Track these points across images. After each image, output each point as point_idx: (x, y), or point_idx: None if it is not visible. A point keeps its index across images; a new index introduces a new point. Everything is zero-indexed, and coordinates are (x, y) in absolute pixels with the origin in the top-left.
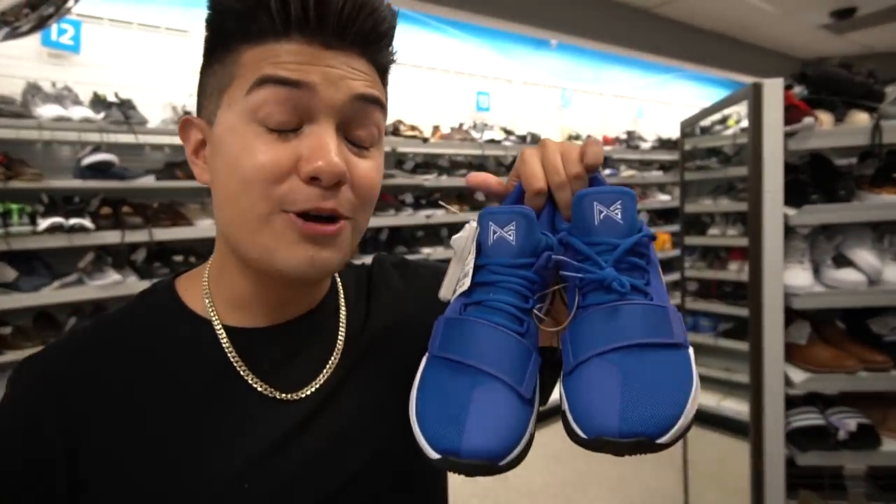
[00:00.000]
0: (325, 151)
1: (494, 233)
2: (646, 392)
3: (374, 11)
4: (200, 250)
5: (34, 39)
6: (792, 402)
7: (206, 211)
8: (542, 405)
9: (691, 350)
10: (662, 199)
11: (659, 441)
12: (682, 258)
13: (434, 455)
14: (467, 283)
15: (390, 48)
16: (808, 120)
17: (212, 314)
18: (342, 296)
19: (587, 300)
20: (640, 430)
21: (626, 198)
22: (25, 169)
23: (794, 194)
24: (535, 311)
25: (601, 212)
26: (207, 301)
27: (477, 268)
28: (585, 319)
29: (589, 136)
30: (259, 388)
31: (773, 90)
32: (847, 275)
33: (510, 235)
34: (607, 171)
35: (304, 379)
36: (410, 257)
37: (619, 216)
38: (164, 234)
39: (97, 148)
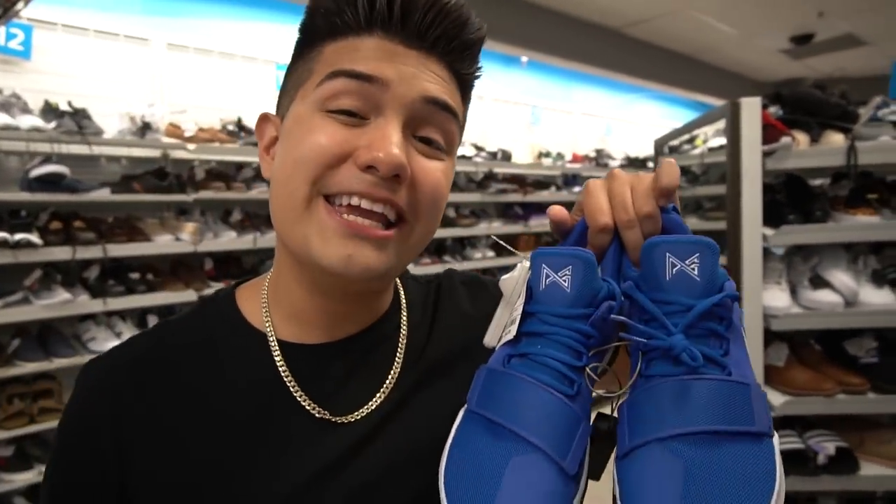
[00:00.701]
0: (387, 142)
1: (547, 277)
2: (712, 495)
3: (459, 20)
4: (159, 267)
5: None
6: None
7: (164, 226)
8: (595, 479)
9: (776, 440)
10: None
11: None
12: None
13: None
14: (513, 331)
15: (474, 61)
16: (785, 139)
17: (268, 327)
18: (405, 314)
19: (651, 370)
20: None
21: (706, 250)
22: None
23: (772, 215)
24: (589, 370)
25: (674, 265)
26: (265, 312)
27: (526, 315)
28: (647, 393)
29: (662, 157)
30: (310, 409)
31: (751, 109)
32: (824, 296)
33: (565, 281)
34: (577, 189)
35: (357, 401)
36: None
37: (697, 272)
38: (119, 249)
39: (47, 159)
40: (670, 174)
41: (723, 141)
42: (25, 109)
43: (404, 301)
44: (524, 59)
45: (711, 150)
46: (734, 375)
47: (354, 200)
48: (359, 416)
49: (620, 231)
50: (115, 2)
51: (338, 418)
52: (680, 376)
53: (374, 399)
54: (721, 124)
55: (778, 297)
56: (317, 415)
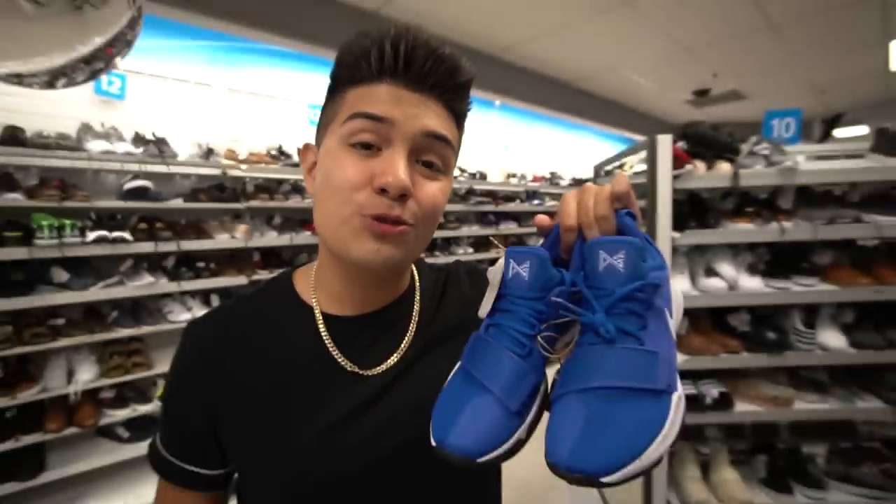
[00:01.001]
0: (395, 169)
1: (513, 269)
2: (602, 434)
3: (452, 66)
4: (219, 258)
5: (87, 88)
6: None
7: (223, 227)
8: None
9: (676, 396)
10: None
11: (603, 480)
12: None
13: (432, 442)
14: (488, 307)
15: (466, 98)
16: (688, 167)
17: (314, 302)
18: (418, 294)
19: (582, 339)
20: (585, 468)
21: (630, 248)
22: (77, 192)
23: (678, 222)
24: (539, 337)
25: (605, 259)
26: (312, 291)
27: (499, 296)
28: (574, 357)
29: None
30: (343, 364)
31: (665, 143)
32: (714, 283)
33: (524, 272)
34: (536, 202)
35: (379, 359)
36: None
37: (622, 265)
38: (189, 245)
39: (136, 176)
40: (620, 183)
41: (644, 167)
42: (120, 138)
43: (418, 284)
44: (497, 102)
45: (636, 173)
46: (646, 345)
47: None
48: (379, 371)
49: (583, 230)
50: (188, 55)
51: (364, 371)
52: (598, 345)
53: (392, 357)
54: (643, 154)
55: (681, 283)
56: (348, 368)
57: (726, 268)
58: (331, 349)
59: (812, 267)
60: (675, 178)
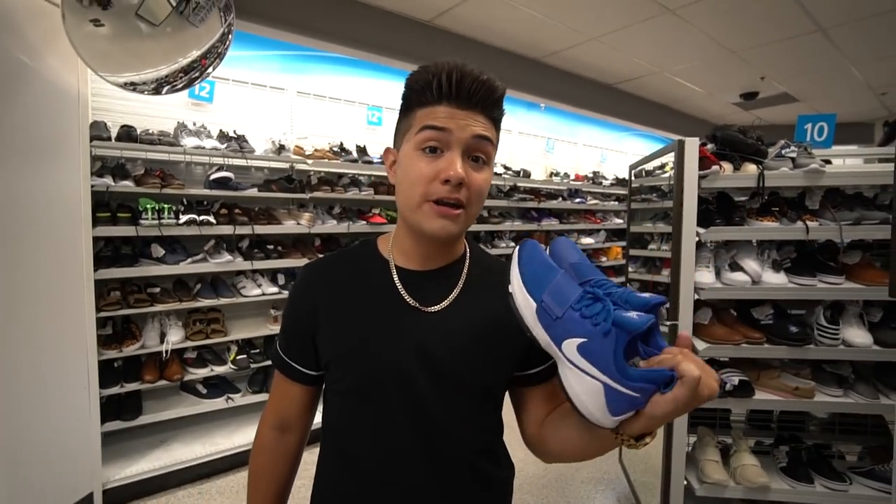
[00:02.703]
0: (454, 166)
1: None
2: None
3: (489, 87)
4: (285, 242)
5: (183, 93)
6: None
7: (290, 215)
8: None
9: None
10: (617, 223)
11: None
12: (627, 266)
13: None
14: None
15: (500, 107)
16: (715, 168)
17: (390, 258)
18: (468, 261)
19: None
20: None
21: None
22: (174, 181)
23: (704, 219)
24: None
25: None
26: (390, 250)
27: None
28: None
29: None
30: (410, 302)
31: (692, 146)
32: (738, 276)
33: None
34: (577, 200)
35: (435, 300)
36: None
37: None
38: (262, 229)
39: (220, 168)
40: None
41: None
42: (208, 136)
43: (469, 254)
44: (542, 104)
45: None
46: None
47: (443, 203)
48: (434, 308)
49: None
50: (264, 64)
51: (423, 308)
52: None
53: (444, 301)
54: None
55: (706, 276)
56: (412, 304)
57: (750, 263)
58: (401, 290)
59: (839, 266)
60: (702, 177)
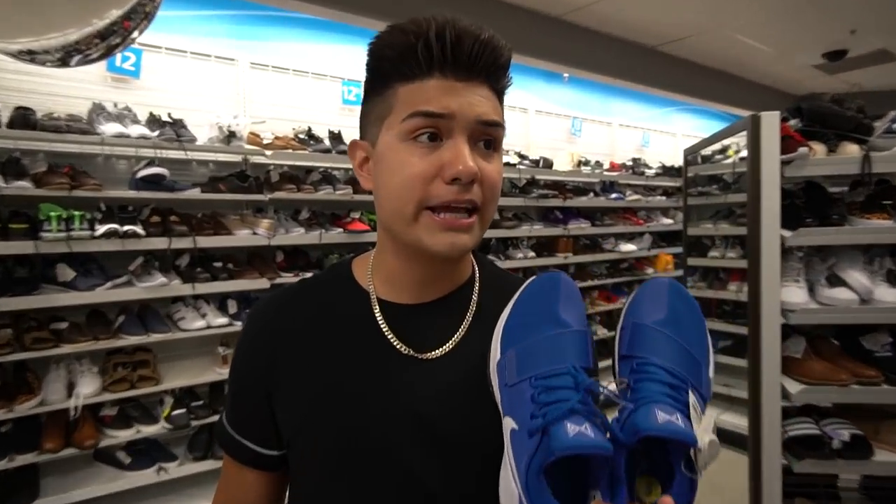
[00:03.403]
0: (464, 158)
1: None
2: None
3: (495, 48)
4: (238, 258)
5: (100, 65)
6: (788, 413)
7: (244, 222)
8: None
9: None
10: (665, 223)
11: None
12: (685, 278)
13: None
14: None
15: (507, 75)
16: (802, 150)
17: (370, 288)
18: (477, 286)
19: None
20: None
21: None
22: (87, 180)
23: (790, 218)
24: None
25: None
26: (369, 278)
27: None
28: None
29: None
30: (399, 348)
31: (770, 122)
32: (840, 293)
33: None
34: (613, 195)
35: (435, 344)
36: None
37: None
38: (206, 241)
39: (151, 162)
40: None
41: None
42: (135, 120)
43: (478, 275)
44: (566, 75)
45: (742, 159)
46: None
47: (449, 210)
48: (435, 355)
49: None
50: (209, 28)
51: (419, 355)
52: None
53: (447, 344)
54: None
55: (796, 294)
56: (403, 351)
57: (856, 275)
58: (387, 333)
59: None
60: (785, 163)
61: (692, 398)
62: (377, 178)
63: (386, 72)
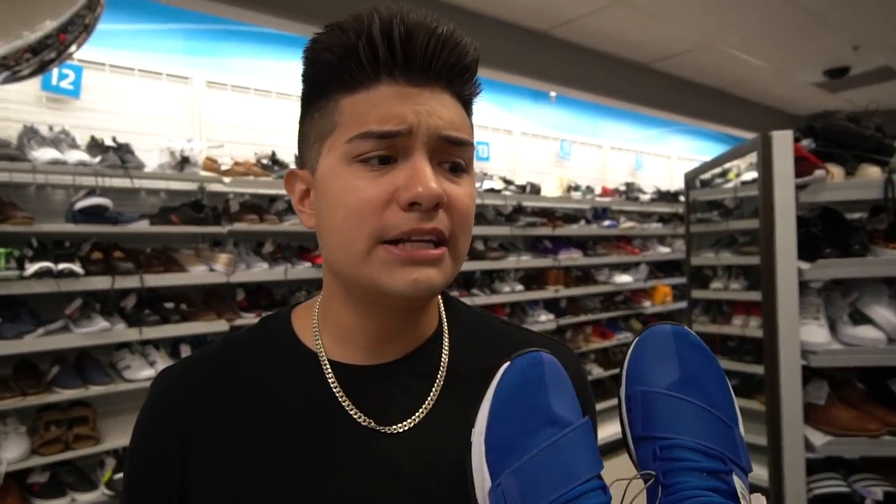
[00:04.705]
0: (423, 178)
1: None
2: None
3: (456, 46)
4: (192, 297)
5: (33, 83)
6: (812, 467)
7: (199, 257)
8: None
9: None
10: (662, 252)
11: None
12: (690, 312)
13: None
14: None
15: (474, 81)
16: (819, 172)
17: (318, 347)
18: (447, 337)
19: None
20: None
21: None
22: (16, 212)
23: (807, 248)
24: None
25: None
26: (316, 334)
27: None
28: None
29: None
30: (360, 420)
31: (783, 142)
32: (865, 332)
33: None
34: (606, 223)
35: (402, 413)
36: None
37: None
38: (155, 280)
39: (91, 192)
40: None
41: (755, 175)
42: (73, 145)
43: (446, 325)
44: (553, 94)
45: (745, 183)
46: None
47: (409, 242)
48: (401, 428)
49: None
50: (159, 44)
51: (384, 428)
52: None
53: (416, 413)
54: (754, 158)
55: (816, 333)
56: (367, 425)
57: (882, 311)
58: (342, 402)
59: None
60: (800, 188)
61: (737, 482)
62: (320, 211)
63: (324, 81)
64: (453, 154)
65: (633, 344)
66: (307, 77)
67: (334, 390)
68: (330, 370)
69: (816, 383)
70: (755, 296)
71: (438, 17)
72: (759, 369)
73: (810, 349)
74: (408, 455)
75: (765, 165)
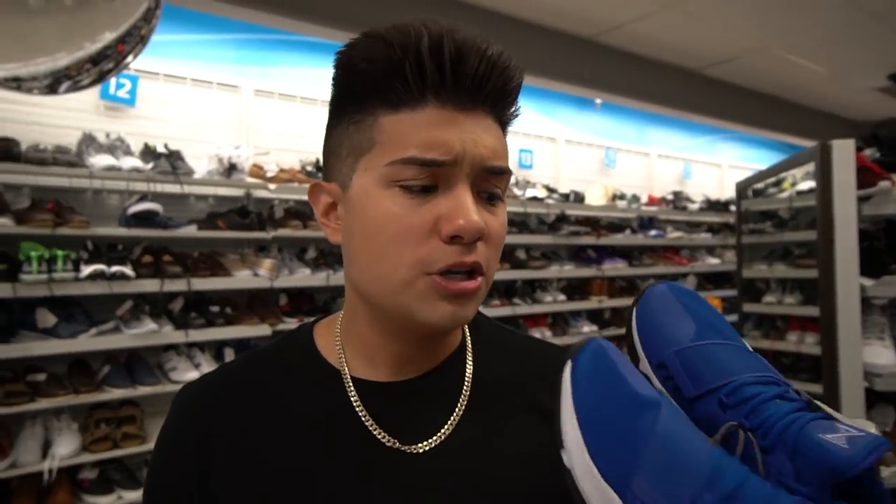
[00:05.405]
0: (466, 211)
1: None
2: None
3: (505, 69)
4: (237, 301)
5: (93, 93)
6: None
7: (244, 262)
8: None
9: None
10: (712, 263)
11: None
12: (741, 325)
13: None
14: None
15: (516, 104)
16: (883, 184)
17: (342, 363)
18: (470, 352)
19: None
20: None
21: None
22: (74, 216)
23: (870, 263)
24: None
25: None
26: (339, 350)
27: None
28: None
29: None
30: (383, 440)
31: (844, 151)
32: None
33: None
34: (653, 232)
35: (428, 432)
36: None
37: None
38: (202, 283)
39: (143, 197)
40: None
41: (813, 184)
42: (127, 152)
43: (469, 338)
44: (598, 101)
45: (800, 193)
46: None
47: (449, 273)
48: (427, 447)
49: None
50: (211, 53)
51: (407, 448)
52: None
53: (441, 430)
54: (811, 167)
55: (881, 354)
56: (390, 445)
57: None
58: (365, 420)
59: None
60: (863, 200)
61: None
62: (352, 231)
63: (363, 93)
64: (493, 183)
65: (634, 316)
66: (341, 84)
67: (357, 409)
68: (353, 388)
69: (882, 408)
70: (812, 311)
71: (486, 36)
72: (816, 388)
73: (874, 371)
74: (433, 476)
75: (823, 176)
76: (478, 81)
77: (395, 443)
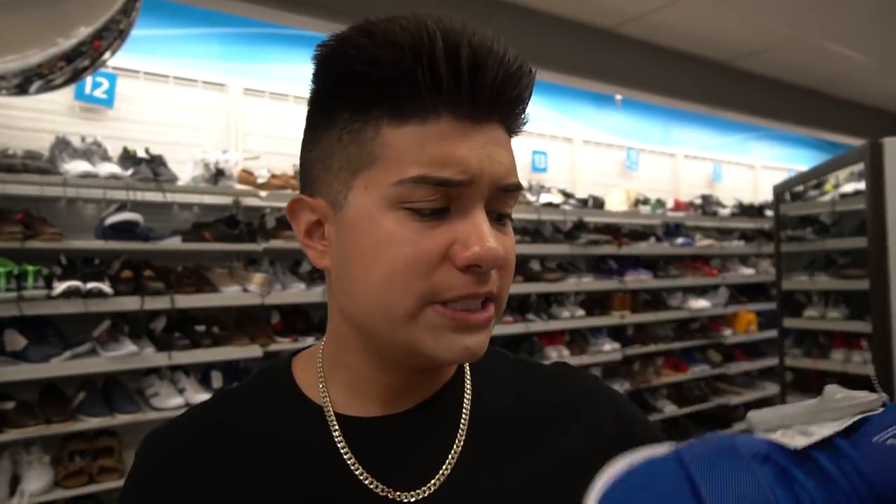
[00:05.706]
0: (483, 237)
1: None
2: None
3: (522, 78)
4: (225, 319)
5: (66, 93)
6: None
7: (233, 276)
8: None
9: None
10: (745, 273)
11: None
12: (782, 342)
13: None
14: (801, 444)
15: (525, 113)
16: None
17: (325, 400)
18: (469, 379)
19: None
20: None
21: None
22: (46, 228)
23: None
24: None
25: None
26: (321, 385)
27: (827, 444)
28: None
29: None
30: (371, 486)
31: None
32: None
33: None
34: (680, 241)
35: (422, 475)
36: None
37: None
38: (186, 300)
39: (122, 206)
40: None
41: (859, 186)
42: (105, 157)
43: (467, 365)
44: (618, 97)
45: (844, 196)
46: None
47: (461, 303)
48: (426, 493)
49: None
50: (195, 49)
51: (401, 495)
52: None
53: (440, 472)
54: (857, 167)
55: None
56: (379, 492)
57: None
58: (352, 466)
59: None
60: None
61: None
62: (344, 255)
63: (361, 100)
64: (507, 202)
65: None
66: (331, 85)
67: (342, 452)
68: (337, 427)
69: None
70: (859, 326)
71: (500, 36)
72: None
73: None
74: None
75: (874, 176)
76: (496, 91)
77: (385, 490)
